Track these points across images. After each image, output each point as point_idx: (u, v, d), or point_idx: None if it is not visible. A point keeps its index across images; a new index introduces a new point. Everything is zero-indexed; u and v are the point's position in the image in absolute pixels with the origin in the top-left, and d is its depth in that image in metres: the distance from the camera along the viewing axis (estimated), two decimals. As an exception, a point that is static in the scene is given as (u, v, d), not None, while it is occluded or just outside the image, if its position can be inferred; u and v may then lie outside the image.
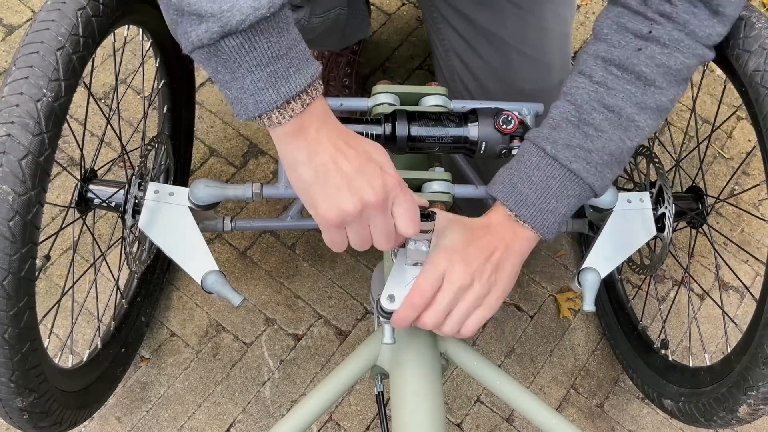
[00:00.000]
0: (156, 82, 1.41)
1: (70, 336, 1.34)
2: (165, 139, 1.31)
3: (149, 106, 1.41)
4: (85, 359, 1.30)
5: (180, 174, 1.57)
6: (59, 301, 1.26)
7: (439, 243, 0.96)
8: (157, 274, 1.55)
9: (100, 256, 1.43)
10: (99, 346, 1.35)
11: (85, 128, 1.39)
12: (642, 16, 0.96)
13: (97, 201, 1.20)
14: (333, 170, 0.82)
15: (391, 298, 0.99)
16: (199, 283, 1.10)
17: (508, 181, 0.98)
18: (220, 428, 1.49)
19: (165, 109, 1.46)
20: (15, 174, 0.89)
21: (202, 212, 1.18)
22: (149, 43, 1.32)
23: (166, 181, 1.37)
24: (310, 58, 0.81)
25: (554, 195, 0.97)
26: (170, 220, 1.14)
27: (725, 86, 1.27)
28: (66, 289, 1.27)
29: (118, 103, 1.38)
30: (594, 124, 0.96)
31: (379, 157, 0.86)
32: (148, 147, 1.25)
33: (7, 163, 0.88)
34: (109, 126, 1.29)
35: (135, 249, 1.23)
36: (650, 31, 0.95)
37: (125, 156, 1.34)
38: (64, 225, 1.21)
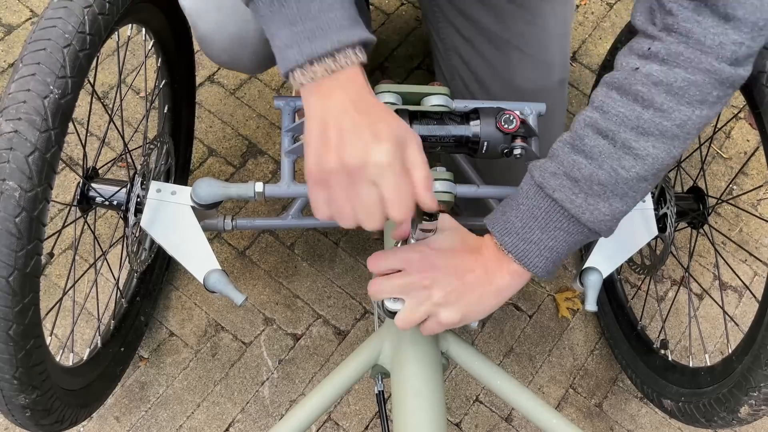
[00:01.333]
0: (157, 81, 1.41)
1: (71, 334, 1.33)
2: (166, 139, 1.31)
3: (150, 105, 1.41)
4: (85, 358, 1.30)
5: (180, 174, 1.56)
6: (61, 299, 1.26)
7: (430, 239, 0.96)
8: (156, 273, 1.54)
9: (100, 256, 1.43)
10: (99, 345, 1.35)
11: (87, 127, 1.39)
12: (645, 35, 0.89)
13: (99, 199, 1.20)
14: (332, 126, 0.81)
15: (396, 297, 1.00)
16: (202, 282, 1.10)
17: (501, 209, 0.96)
18: (219, 428, 1.49)
19: (166, 108, 1.46)
20: (22, 170, 0.89)
21: (203, 211, 1.18)
22: (151, 43, 1.32)
23: (166, 181, 1.37)
24: (350, 26, 0.80)
25: (539, 226, 0.91)
26: (172, 218, 1.14)
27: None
28: (67, 288, 1.27)
29: (121, 101, 1.38)
30: (585, 151, 0.89)
31: (395, 122, 0.82)
32: (150, 146, 1.25)
33: (14, 159, 0.88)
34: (110, 125, 1.29)
35: (136, 248, 1.23)
36: (649, 48, 0.87)
37: (127, 155, 1.34)
38: (66, 223, 1.20)
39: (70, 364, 1.25)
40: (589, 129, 0.89)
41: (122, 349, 1.42)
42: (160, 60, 1.37)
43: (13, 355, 0.93)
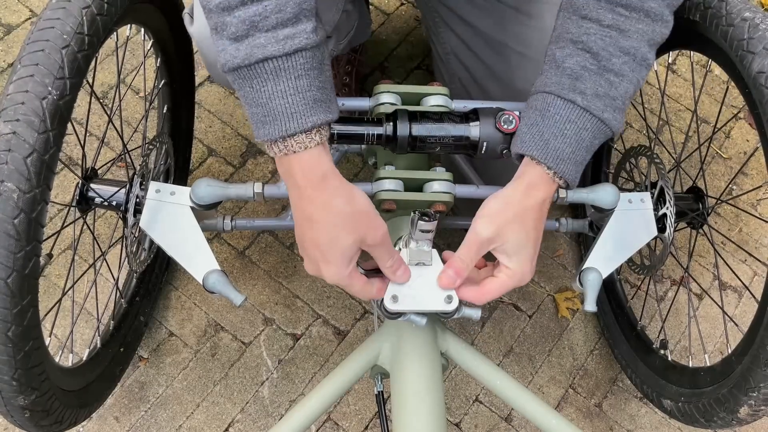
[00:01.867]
0: (156, 81, 1.41)
1: (70, 335, 1.33)
2: (166, 139, 1.31)
3: (150, 105, 1.41)
4: (84, 358, 1.30)
5: (179, 174, 1.56)
6: (60, 300, 1.26)
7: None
8: (156, 273, 1.54)
9: (100, 256, 1.43)
10: (98, 346, 1.35)
11: (86, 127, 1.39)
12: None
13: (98, 200, 1.20)
14: (308, 239, 0.92)
15: (395, 298, 1.00)
16: (201, 283, 1.10)
17: (539, 137, 0.95)
18: (218, 428, 1.49)
19: (165, 108, 1.46)
20: (20, 172, 0.89)
21: (202, 211, 1.18)
22: (150, 43, 1.32)
23: (166, 181, 1.37)
24: (303, 112, 0.85)
25: (586, 147, 0.95)
26: (172, 219, 1.14)
27: (728, 87, 1.27)
28: (66, 289, 1.27)
29: (120, 101, 1.38)
30: (614, 70, 0.93)
31: (343, 222, 0.91)
32: (150, 147, 1.25)
33: (12, 160, 0.88)
34: (108, 126, 1.29)
35: (135, 248, 1.23)
36: None
37: (126, 155, 1.34)
38: (65, 224, 1.20)
39: (70, 364, 1.25)
40: (612, 48, 0.93)
41: (122, 349, 1.42)
42: (159, 60, 1.37)
43: (12, 357, 0.93)
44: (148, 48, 1.33)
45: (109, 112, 1.29)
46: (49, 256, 1.22)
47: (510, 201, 0.96)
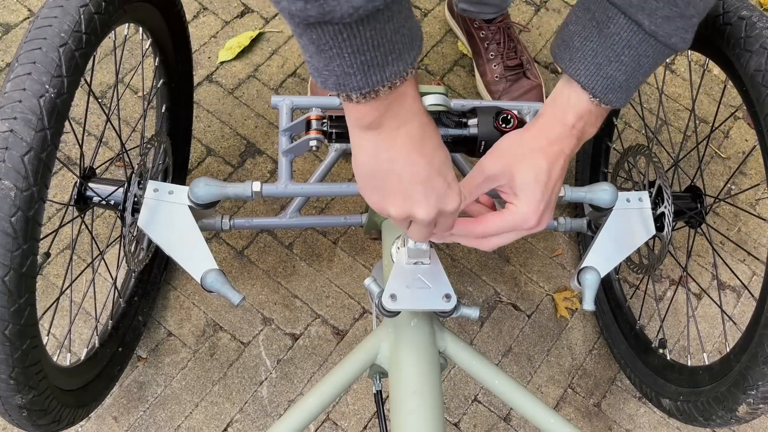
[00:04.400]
0: (155, 81, 1.41)
1: (68, 334, 1.33)
2: (164, 138, 1.31)
3: (148, 104, 1.41)
4: (83, 358, 1.30)
5: (177, 173, 1.56)
6: (58, 299, 1.25)
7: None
8: (155, 273, 1.54)
9: (98, 255, 1.43)
10: (97, 345, 1.35)
11: (84, 126, 1.39)
12: None
13: (96, 199, 1.20)
14: (395, 175, 0.79)
15: (393, 297, 1.00)
16: (199, 282, 1.10)
17: (591, 60, 0.84)
18: (217, 428, 1.49)
19: (163, 108, 1.46)
20: (17, 170, 0.89)
21: (201, 211, 1.18)
22: (149, 42, 1.32)
23: (164, 180, 1.37)
24: (414, 38, 0.72)
25: (643, 73, 0.85)
26: (170, 218, 1.14)
27: (725, 86, 1.27)
28: (64, 288, 1.27)
29: (118, 100, 1.38)
30: None
31: (448, 172, 0.81)
32: (148, 146, 1.25)
33: (9, 158, 0.89)
34: (106, 125, 1.29)
35: (134, 248, 1.23)
36: None
37: (124, 154, 1.34)
38: (62, 223, 1.20)
39: (68, 364, 1.25)
40: None
41: (120, 349, 1.42)
42: (157, 59, 1.37)
43: (9, 355, 0.93)
44: (147, 47, 1.33)
45: (107, 112, 1.29)
46: (47, 255, 1.22)
47: (525, 137, 0.89)
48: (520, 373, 1.61)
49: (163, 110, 1.47)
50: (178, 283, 1.61)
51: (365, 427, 1.52)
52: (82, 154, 1.22)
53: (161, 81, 1.42)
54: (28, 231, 0.91)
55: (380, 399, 1.16)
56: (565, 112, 0.88)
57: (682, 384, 1.31)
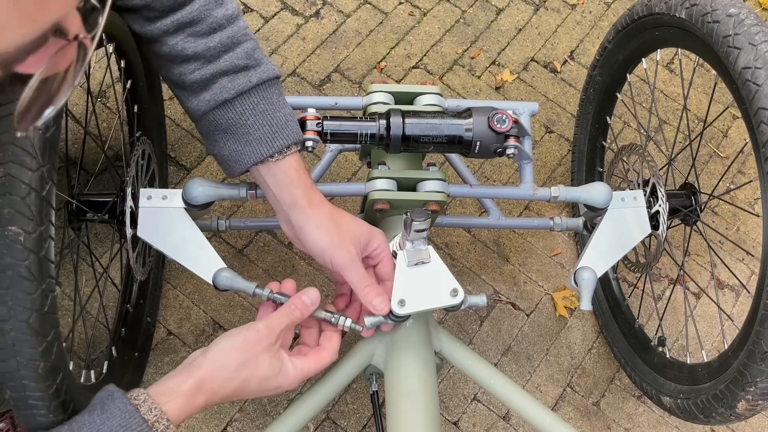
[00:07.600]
0: (123, 84, 1.37)
1: (87, 354, 1.32)
2: (143, 140, 1.29)
3: (123, 109, 1.37)
4: (104, 371, 1.29)
5: (160, 169, 1.53)
6: (73, 327, 1.25)
7: None
8: (154, 272, 1.55)
9: (102, 273, 1.42)
10: (115, 355, 1.34)
11: (67, 146, 1.36)
12: None
13: (90, 216, 1.18)
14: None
15: (402, 303, 1.00)
16: (211, 283, 1.10)
17: None
18: (216, 427, 1.49)
19: (136, 108, 1.43)
20: (22, 213, 0.87)
21: (196, 212, 1.18)
22: (111, 47, 1.26)
23: (152, 181, 1.36)
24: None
25: None
26: (168, 223, 1.14)
27: (715, 84, 1.27)
28: (77, 316, 1.25)
29: (95, 111, 1.34)
30: None
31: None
32: (132, 153, 1.22)
33: (10, 204, 0.86)
34: (85, 139, 1.25)
35: (136, 258, 1.22)
36: None
37: (110, 167, 1.30)
38: (63, 250, 1.18)
39: (93, 380, 1.23)
40: None
41: (137, 354, 1.42)
42: (123, 61, 1.32)
43: (44, 392, 0.92)
44: (110, 52, 1.27)
45: (84, 126, 1.25)
46: (58, 284, 1.21)
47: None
48: (519, 373, 1.61)
49: (135, 111, 1.44)
50: (177, 282, 1.62)
51: (364, 426, 1.52)
52: (68, 173, 1.20)
53: (130, 82, 1.38)
54: (44, 271, 0.89)
55: (376, 399, 1.17)
56: None
57: (681, 382, 1.32)
